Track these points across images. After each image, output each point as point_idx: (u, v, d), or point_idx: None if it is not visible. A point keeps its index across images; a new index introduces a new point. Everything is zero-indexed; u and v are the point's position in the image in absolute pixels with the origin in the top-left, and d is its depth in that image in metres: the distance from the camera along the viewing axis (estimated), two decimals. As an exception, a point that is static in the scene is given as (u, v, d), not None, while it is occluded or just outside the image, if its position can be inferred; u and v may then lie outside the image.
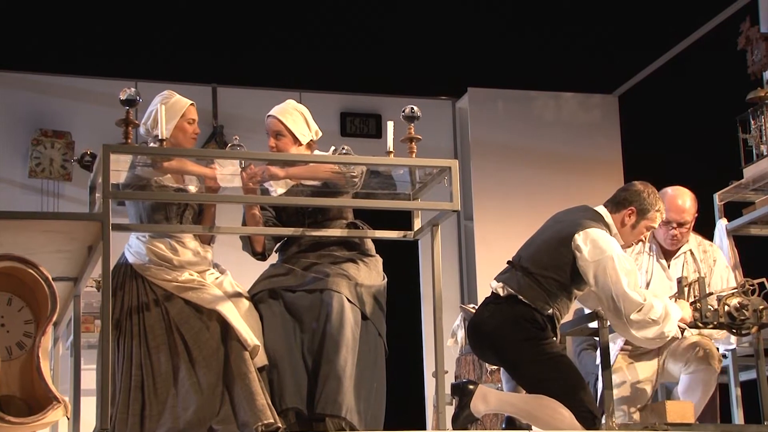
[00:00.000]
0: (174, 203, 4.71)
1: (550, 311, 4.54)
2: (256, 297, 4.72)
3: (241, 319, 4.56)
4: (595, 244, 4.49)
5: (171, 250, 4.66)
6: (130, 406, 4.43)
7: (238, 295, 4.69)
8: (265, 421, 4.37)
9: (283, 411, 4.50)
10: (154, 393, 4.46)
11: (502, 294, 4.59)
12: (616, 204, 4.70)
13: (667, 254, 5.20)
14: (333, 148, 4.90)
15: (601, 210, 4.71)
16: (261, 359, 4.55)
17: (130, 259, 4.66)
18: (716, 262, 5.24)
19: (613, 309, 4.45)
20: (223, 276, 4.74)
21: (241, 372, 4.46)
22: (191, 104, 4.85)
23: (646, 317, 4.41)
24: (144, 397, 4.45)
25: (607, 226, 4.63)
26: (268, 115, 4.93)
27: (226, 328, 4.53)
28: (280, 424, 4.41)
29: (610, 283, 4.43)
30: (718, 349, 5.07)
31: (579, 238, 4.52)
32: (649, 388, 5.06)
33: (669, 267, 5.15)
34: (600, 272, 4.45)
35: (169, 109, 4.72)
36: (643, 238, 4.79)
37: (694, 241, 5.27)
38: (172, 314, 4.53)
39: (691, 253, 5.20)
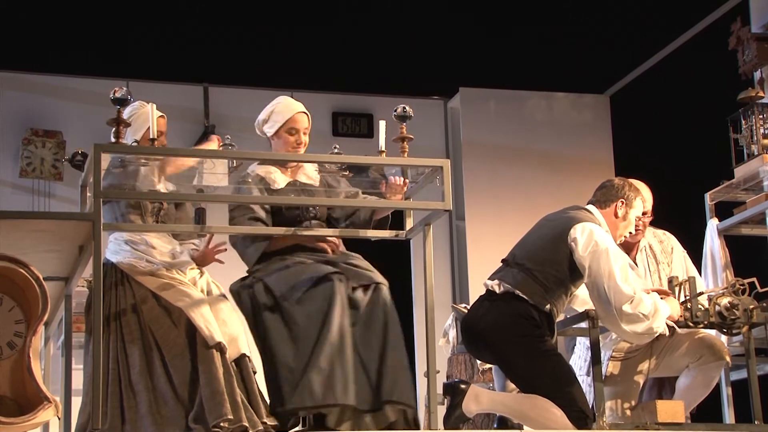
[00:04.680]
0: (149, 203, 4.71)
1: (548, 307, 4.55)
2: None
3: (210, 316, 4.51)
4: (591, 237, 4.56)
5: (151, 247, 4.66)
6: (109, 400, 4.41)
7: (217, 294, 4.68)
8: (226, 417, 4.32)
9: (330, 406, 4.43)
10: (129, 386, 4.44)
11: (498, 291, 4.59)
12: (603, 201, 4.79)
13: (629, 251, 5.19)
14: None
15: (591, 208, 4.79)
16: (234, 351, 4.51)
17: (113, 259, 4.64)
18: (673, 249, 5.27)
19: (604, 300, 4.48)
20: (199, 275, 4.73)
21: (205, 370, 4.41)
22: (160, 116, 4.79)
23: (636, 311, 4.45)
24: (121, 390, 4.44)
25: (599, 223, 4.70)
26: (300, 112, 4.91)
27: (192, 326, 4.50)
28: (245, 424, 4.36)
29: (604, 275, 4.49)
30: None
31: (575, 231, 4.58)
32: (639, 385, 5.06)
33: (636, 264, 5.15)
34: (594, 264, 4.51)
35: (135, 120, 4.71)
36: (632, 231, 4.85)
37: (649, 232, 5.29)
38: (144, 313, 4.52)
39: (650, 247, 5.22)
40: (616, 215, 4.76)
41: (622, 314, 4.46)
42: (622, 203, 4.77)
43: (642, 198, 4.86)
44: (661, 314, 4.50)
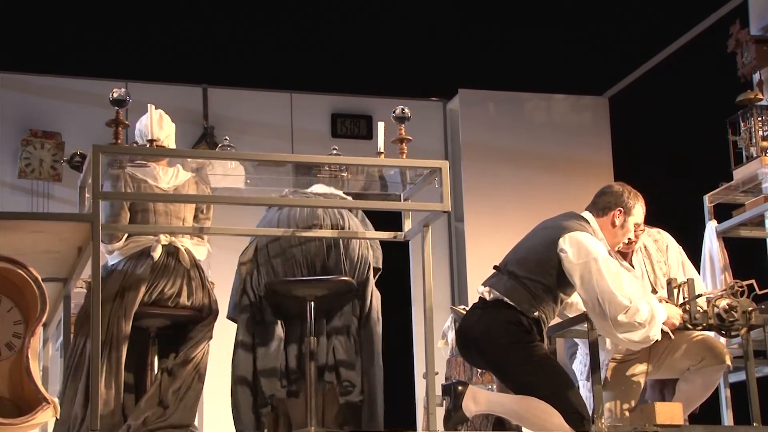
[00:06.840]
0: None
1: (536, 314, 4.54)
2: None
3: None
4: (580, 247, 4.50)
5: None
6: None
7: None
8: None
9: None
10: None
11: (488, 298, 4.59)
12: (601, 209, 4.72)
13: (624, 254, 5.16)
14: None
15: (587, 215, 4.73)
16: None
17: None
18: (668, 247, 5.23)
19: (598, 311, 4.45)
20: None
21: None
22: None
23: (632, 320, 4.42)
24: None
25: (592, 231, 4.64)
26: None
27: None
28: None
29: (596, 285, 4.43)
30: None
31: (564, 241, 4.52)
32: (640, 386, 5.06)
33: (633, 266, 5.13)
34: (585, 274, 4.46)
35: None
36: (632, 237, 4.79)
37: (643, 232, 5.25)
38: None
39: (645, 247, 5.17)
40: (613, 224, 4.69)
41: (617, 324, 4.42)
42: (620, 212, 4.70)
43: (642, 204, 4.77)
44: (658, 321, 4.47)
